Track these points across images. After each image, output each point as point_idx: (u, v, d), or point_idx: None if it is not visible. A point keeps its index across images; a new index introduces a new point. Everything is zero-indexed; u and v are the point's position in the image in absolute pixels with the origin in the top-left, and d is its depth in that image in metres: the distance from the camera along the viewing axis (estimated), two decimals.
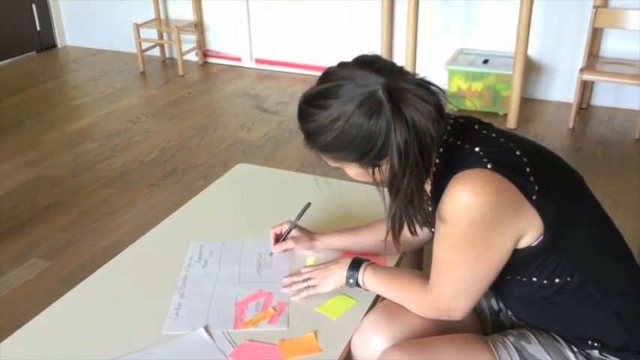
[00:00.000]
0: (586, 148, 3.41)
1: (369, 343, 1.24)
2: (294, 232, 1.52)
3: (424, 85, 1.08)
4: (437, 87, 1.10)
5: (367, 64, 1.11)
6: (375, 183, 1.15)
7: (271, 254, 1.53)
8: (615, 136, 3.57)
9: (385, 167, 1.12)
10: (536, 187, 1.08)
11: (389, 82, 1.06)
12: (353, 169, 1.17)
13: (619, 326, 1.16)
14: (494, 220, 1.06)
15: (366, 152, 1.09)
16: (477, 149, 1.11)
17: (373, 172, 1.13)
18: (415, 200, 1.13)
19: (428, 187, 1.20)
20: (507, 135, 1.17)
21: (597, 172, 3.11)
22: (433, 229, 1.19)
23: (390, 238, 1.20)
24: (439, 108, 1.08)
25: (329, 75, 1.12)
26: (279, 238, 1.52)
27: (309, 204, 1.57)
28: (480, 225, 1.07)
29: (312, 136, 1.13)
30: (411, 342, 1.22)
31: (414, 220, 1.17)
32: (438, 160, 1.15)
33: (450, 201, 1.08)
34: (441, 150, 1.14)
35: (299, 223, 1.54)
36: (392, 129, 1.05)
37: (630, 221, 2.65)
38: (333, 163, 1.18)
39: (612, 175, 3.08)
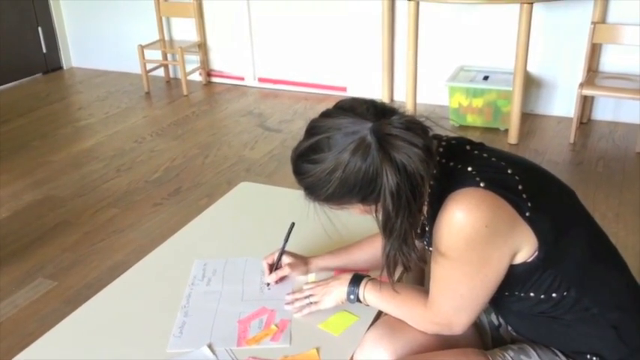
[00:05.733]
0: (587, 162, 3.43)
1: (371, 358, 1.26)
2: (289, 259, 1.50)
3: (411, 127, 1.08)
4: (423, 125, 1.11)
5: (349, 110, 1.12)
6: (377, 219, 1.16)
7: (268, 284, 1.50)
8: (616, 150, 3.58)
9: None
10: (529, 204, 1.10)
11: (376, 129, 1.07)
12: (358, 210, 1.19)
13: (617, 339, 1.17)
14: (489, 236, 1.09)
15: (367, 194, 1.10)
16: (469, 169, 1.13)
17: (376, 210, 1.14)
18: (409, 239, 1.14)
19: (424, 207, 1.21)
20: (498, 154, 1.20)
21: (599, 186, 3.13)
22: (431, 249, 1.21)
23: (385, 274, 1.20)
24: (428, 148, 1.09)
25: (315, 128, 1.13)
26: (272, 268, 1.51)
27: (293, 224, 1.53)
28: (475, 242, 1.09)
29: (312, 190, 1.15)
30: (413, 357, 1.24)
31: (409, 258, 1.17)
32: (432, 182, 1.17)
33: (446, 220, 1.10)
34: (435, 172, 1.16)
35: (289, 247, 1.51)
36: (384, 174, 1.06)
37: (632, 235, 2.65)
38: (337, 209, 1.20)
39: (614, 189, 3.10)
